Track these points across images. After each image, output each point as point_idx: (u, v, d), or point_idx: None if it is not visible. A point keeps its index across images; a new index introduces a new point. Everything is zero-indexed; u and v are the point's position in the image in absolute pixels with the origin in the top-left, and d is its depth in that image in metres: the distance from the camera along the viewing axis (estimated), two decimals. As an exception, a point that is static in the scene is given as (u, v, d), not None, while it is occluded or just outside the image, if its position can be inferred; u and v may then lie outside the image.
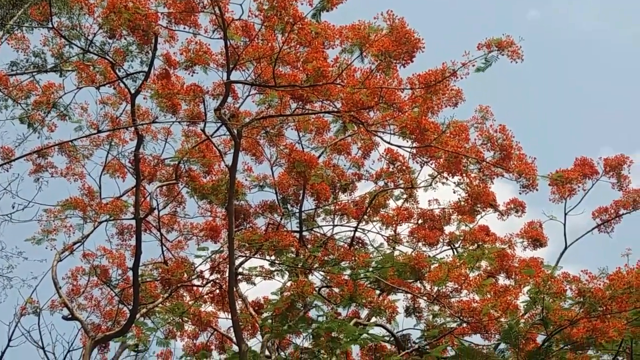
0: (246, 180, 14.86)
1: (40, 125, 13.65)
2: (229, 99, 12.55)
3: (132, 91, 12.28)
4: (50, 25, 11.71)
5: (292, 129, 14.21)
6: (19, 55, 15.48)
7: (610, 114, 33.33)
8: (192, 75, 12.22)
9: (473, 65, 10.49)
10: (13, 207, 14.23)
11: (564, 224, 13.51)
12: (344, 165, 15.09)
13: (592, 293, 11.48)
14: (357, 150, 15.01)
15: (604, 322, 11.26)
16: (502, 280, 13.50)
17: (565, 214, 13.38)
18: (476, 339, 13.12)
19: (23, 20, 15.06)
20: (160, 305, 14.44)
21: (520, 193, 12.45)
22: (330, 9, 10.42)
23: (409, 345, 13.65)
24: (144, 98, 12.77)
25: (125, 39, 11.85)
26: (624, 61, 34.61)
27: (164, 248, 15.09)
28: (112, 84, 13.18)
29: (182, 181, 14.55)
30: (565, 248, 13.67)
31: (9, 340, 13.45)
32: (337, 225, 15.19)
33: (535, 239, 13.88)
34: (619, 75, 34.17)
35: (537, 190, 12.26)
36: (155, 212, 14.60)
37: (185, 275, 14.78)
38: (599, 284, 11.79)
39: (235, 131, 11.95)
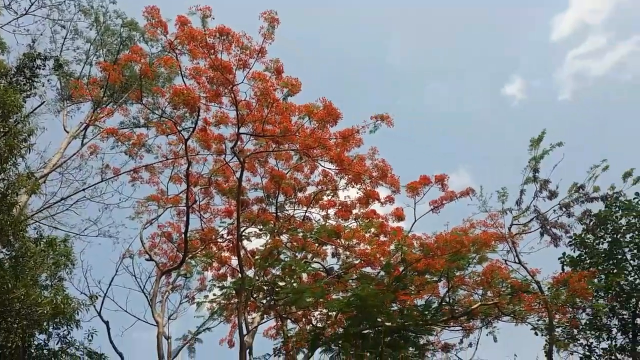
0: (247, 185, 14.71)
1: (135, 155, 13.63)
2: (239, 143, 12.49)
3: (186, 137, 12.20)
4: (142, 103, 11.72)
5: (272, 159, 14.14)
6: (124, 118, 15.30)
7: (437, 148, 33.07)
8: (219, 129, 12.29)
9: (368, 127, 10.85)
10: (120, 200, 14.22)
11: (414, 209, 13.39)
12: (300, 178, 14.90)
13: (427, 245, 11.89)
14: (306, 169, 14.83)
15: (434, 260, 11.64)
16: (382, 238, 13.75)
17: (415, 203, 13.36)
18: (368, 269, 13.45)
19: (127, 100, 14.85)
20: (199, 252, 14.45)
21: (391, 193, 12.87)
22: (293, 95, 10.62)
23: (333, 273, 13.82)
24: (193, 141, 12.78)
25: (182, 109, 11.80)
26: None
27: (202, 222, 14.91)
28: (174, 134, 13.09)
29: (212, 186, 14.42)
30: (415, 221, 13.77)
31: (116, 271, 13.52)
32: (296, 210, 15.07)
33: (399, 217, 14.00)
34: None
35: (400, 193, 12.63)
36: (197, 202, 14.46)
37: (214, 236, 14.76)
38: (431, 240, 12.23)
39: (242, 159, 12.07)
